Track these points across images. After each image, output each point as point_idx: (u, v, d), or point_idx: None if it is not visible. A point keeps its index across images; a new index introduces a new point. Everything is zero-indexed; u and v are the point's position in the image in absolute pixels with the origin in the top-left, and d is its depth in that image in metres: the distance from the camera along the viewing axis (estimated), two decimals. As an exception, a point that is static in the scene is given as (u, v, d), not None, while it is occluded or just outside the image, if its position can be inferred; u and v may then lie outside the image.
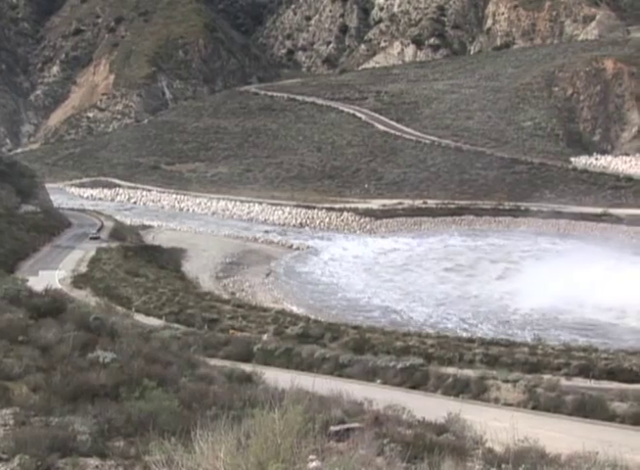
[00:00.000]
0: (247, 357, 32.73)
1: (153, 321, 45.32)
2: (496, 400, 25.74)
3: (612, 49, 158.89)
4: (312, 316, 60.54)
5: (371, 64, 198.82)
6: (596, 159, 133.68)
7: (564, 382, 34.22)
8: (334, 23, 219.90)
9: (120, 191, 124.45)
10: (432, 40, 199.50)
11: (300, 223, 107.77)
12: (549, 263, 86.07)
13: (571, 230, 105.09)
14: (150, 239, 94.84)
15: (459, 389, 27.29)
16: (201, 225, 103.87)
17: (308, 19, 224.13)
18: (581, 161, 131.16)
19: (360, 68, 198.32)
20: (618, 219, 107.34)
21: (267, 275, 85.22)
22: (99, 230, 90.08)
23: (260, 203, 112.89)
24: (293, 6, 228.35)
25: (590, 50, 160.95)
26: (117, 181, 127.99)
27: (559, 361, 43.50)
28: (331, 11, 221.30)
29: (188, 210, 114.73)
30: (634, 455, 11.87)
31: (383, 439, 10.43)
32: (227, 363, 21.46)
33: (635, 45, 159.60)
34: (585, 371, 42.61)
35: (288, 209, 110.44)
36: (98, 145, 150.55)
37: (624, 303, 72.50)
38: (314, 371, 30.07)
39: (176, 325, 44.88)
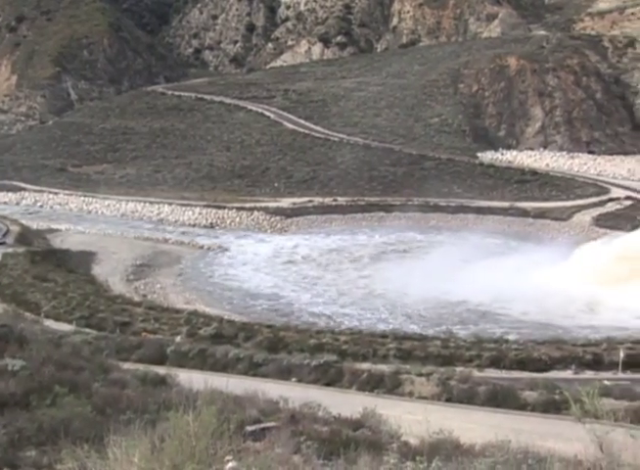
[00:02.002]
0: (160, 360, 32.39)
1: (63, 326, 44.53)
2: (410, 394, 26.00)
3: (514, 46, 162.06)
4: (225, 316, 60.32)
5: (278, 62, 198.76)
6: (502, 154, 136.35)
7: (476, 373, 34.78)
8: (240, 21, 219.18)
9: (26, 194, 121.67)
10: (338, 38, 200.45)
11: (211, 223, 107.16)
12: (453, 256, 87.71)
13: (478, 224, 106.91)
14: (58, 243, 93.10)
15: (374, 384, 27.49)
16: (110, 228, 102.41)
17: (215, 17, 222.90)
18: (488, 156, 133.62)
19: (268, 66, 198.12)
20: (525, 212, 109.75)
21: (179, 276, 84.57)
22: (4, 235, 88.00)
23: (170, 204, 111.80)
24: (199, 5, 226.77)
25: (494, 47, 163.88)
26: (23, 185, 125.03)
27: (470, 353, 44.23)
28: (237, 9, 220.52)
29: (96, 212, 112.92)
30: (544, 442, 12.09)
31: (299, 437, 10.42)
32: (140, 366, 21.20)
33: (537, 42, 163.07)
34: (496, 362, 43.42)
35: (198, 209, 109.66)
36: (1, 148, 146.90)
37: (503, 291, 74.61)
38: (229, 371, 29.93)
39: (87, 330, 44.20)
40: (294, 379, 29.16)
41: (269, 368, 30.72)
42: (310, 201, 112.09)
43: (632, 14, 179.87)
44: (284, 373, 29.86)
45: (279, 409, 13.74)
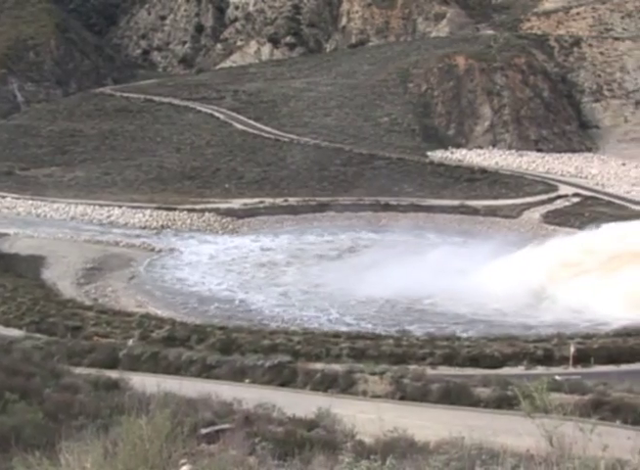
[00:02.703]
0: (112, 364, 32.13)
1: (13, 332, 44.01)
2: (364, 393, 26.11)
3: (463, 46, 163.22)
4: (178, 319, 60.05)
5: (228, 63, 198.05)
6: (451, 152, 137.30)
7: (429, 371, 35.04)
8: (189, 22, 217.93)
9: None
10: (287, 39, 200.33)
11: (162, 226, 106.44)
12: (404, 255, 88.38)
13: (429, 222, 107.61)
14: (6, 247, 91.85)
15: (327, 384, 27.56)
16: (59, 231, 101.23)
17: (163, 18, 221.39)
18: (437, 155, 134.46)
19: (217, 67, 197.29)
20: (475, 210, 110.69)
21: (130, 279, 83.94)
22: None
23: (120, 206, 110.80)
24: (147, 5, 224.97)
25: (442, 47, 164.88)
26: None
27: (424, 351, 44.53)
28: (186, 10, 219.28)
29: (45, 215, 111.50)
30: (498, 437, 12.21)
31: (254, 438, 10.40)
32: (93, 371, 21.01)
33: (484, 42, 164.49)
34: (449, 360, 43.75)
35: (148, 211, 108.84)
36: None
37: (454, 289, 75.49)
38: (182, 374, 29.81)
39: (38, 335, 43.68)
40: (247, 380, 29.12)
41: (222, 370, 30.65)
42: (261, 201, 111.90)
43: (577, 14, 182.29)
44: (237, 374, 29.81)
45: (233, 411, 13.71)
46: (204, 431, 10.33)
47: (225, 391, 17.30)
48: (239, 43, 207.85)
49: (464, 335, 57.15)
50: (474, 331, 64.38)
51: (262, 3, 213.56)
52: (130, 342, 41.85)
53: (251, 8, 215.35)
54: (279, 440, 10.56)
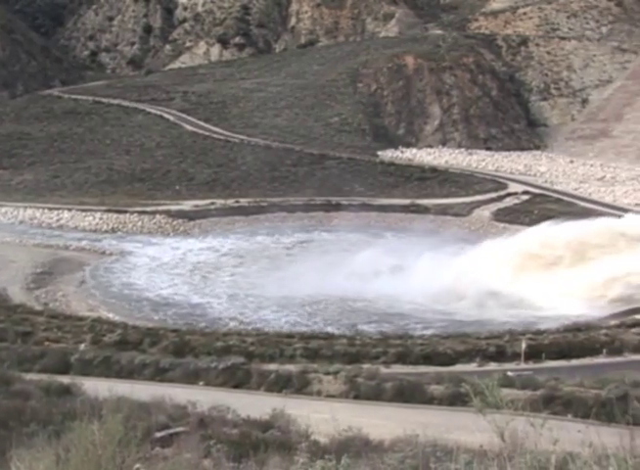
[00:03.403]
0: (64, 369, 31.81)
1: (-39, 338, 43.30)
2: (319, 393, 26.15)
3: (411, 45, 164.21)
4: (130, 322, 59.60)
5: (177, 64, 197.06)
6: (402, 152, 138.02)
7: (383, 370, 35.17)
8: (137, 23, 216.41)
9: None
10: (237, 39, 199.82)
11: (112, 228, 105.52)
12: (355, 254, 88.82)
13: (381, 222, 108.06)
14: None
15: (282, 384, 27.55)
16: (7, 235, 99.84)
17: (111, 19, 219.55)
18: (388, 154, 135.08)
19: (166, 68, 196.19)
20: (426, 209, 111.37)
21: (81, 283, 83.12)
22: None
23: (70, 209, 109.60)
24: (94, 6, 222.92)
25: (391, 47, 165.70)
26: None
27: (377, 350, 44.66)
28: (134, 11, 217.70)
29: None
30: (451, 434, 12.29)
31: (208, 440, 10.37)
32: (44, 377, 20.77)
33: (433, 42, 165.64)
34: (403, 358, 43.95)
35: (98, 214, 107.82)
36: None
37: (405, 287, 76.14)
38: (135, 378, 29.59)
39: (-14, 341, 43.04)
40: (201, 383, 29.02)
41: (176, 373, 30.50)
42: (212, 203, 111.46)
43: (524, 14, 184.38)
44: (191, 377, 29.69)
45: (187, 414, 13.65)
46: (158, 435, 10.27)
47: (179, 393, 17.21)
48: (188, 44, 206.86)
49: (419, 333, 57.48)
50: (428, 329, 64.88)
51: (211, 4, 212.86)
52: (82, 346, 41.44)
53: (199, 8, 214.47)
54: (234, 442, 10.53)
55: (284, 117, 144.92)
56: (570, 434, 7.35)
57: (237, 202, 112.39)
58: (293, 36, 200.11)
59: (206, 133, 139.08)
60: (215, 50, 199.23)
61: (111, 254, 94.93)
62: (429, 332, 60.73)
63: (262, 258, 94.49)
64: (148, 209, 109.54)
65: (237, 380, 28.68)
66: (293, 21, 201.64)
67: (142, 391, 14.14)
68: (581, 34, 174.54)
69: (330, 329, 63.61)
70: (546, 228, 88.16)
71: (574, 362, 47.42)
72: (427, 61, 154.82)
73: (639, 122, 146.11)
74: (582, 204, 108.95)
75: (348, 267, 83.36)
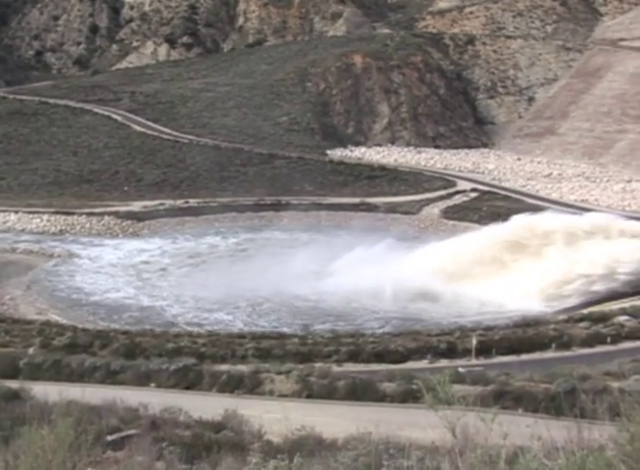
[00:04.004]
0: (13, 374, 31.37)
1: None
2: (271, 393, 26.13)
3: (360, 45, 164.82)
4: (80, 325, 59.02)
5: (124, 64, 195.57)
6: (351, 151, 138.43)
7: (335, 368, 35.25)
8: (83, 22, 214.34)
9: None
10: (184, 39, 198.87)
11: (60, 230, 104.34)
12: (305, 254, 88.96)
13: (331, 221, 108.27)
14: None
15: (234, 385, 27.49)
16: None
17: (56, 18, 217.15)
18: (337, 153, 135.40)
19: (113, 68, 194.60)
20: (375, 207, 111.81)
21: (29, 286, 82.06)
22: None
23: (16, 212, 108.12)
24: (39, 5, 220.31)
25: (340, 46, 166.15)
26: None
27: (329, 349, 44.74)
28: (79, 10, 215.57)
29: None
30: (404, 431, 12.37)
31: (161, 442, 10.31)
32: (-9, 382, 20.49)
33: (381, 41, 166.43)
34: (355, 356, 44.08)
35: (46, 216, 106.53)
36: None
37: (354, 286, 76.50)
38: (85, 381, 29.31)
39: None
40: (153, 384, 28.84)
41: (127, 375, 30.27)
42: (162, 203, 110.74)
43: (471, 13, 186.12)
44: (142, 379, 29.49)
45: (139, 416, 13.56)
46: (109, 438, 10.19)
47: (130, 396, 17.09)
48: (135, 44, 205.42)
49: (375, 331, 57.68)
50: (376, 326, 65.23)
51: (158, 3, 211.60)
52: (31, 350, 40.96)
53: (146, 8, 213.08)
54: (186, 443, 10.48)
55: (233, 117, 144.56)
56: (519, 428, 7.44)
57: (186, 202, 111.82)
58: (240, 36, 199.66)
59: (155, 134, 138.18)
60: (163, 50, 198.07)
61: (59, 256, 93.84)
62: (384, 330, 61.10)
63: (213, 259, 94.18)
64: (96, 210, 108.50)
65: (189, 381, 28.56)
66: (240, 20, 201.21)
67: (93, 394, 14.02)
68: (527, 33, 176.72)
69: (282, 328, 63.69)
70: (497, 225, 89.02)
71: (524, 357, 47.97)
72: (375, 60, 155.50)
73: (584, 120, 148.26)
74: (530, 201, 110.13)
75: (298, 267, 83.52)
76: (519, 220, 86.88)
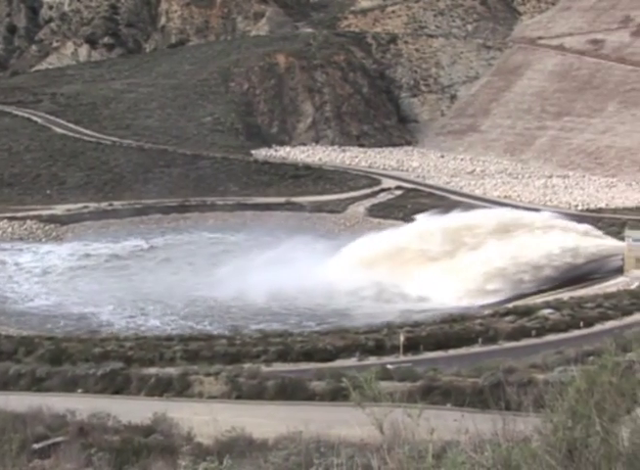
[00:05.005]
0: None
1: None
2: (200, 395, 26.04)
3: (283, 44, 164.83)
4: (3, 332, 57.91)
5: (44, 65, 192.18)
6: (275, 150, 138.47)
7: (264, 368, 35.23)
8: (0, 22, 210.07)
9: None
10: (105, 39, 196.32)
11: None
12: (230, 254, 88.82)
13: (256, 221, 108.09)
14: None
15: (162, 388, 27.31)
16: None
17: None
18: (262, 153, 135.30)
19: (33, 69, 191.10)
20: (301, 207, 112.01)
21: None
22: None
23: None
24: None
25: (263, 46, 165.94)
26: None
27: (257, 349, 44.67)
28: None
29: None
30: (334, 429, 12.44)
31: (89, 449, 10.21)
32: None
33: (304, 40, 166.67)
34: (283, 356, 44.10)
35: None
36: None
37: (281, 285, 76.68)
38: (10, 389, 28.78)
39: None
40: (80, 390, 28.46)
41: (53, 382, 29.83)
42: (85, 206, 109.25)
43: (393, 12, 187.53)
44: (69, 385, 29.09)
45: (66, 423, 13.38)
46: (36, 446, 10.04)
47: (57, 403, 16.85)
48: (55, 44, 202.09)
49: (296, 330, 57.73)
50: (303, 325, 65.38)
51: (78, 3, 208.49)
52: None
53: (66, 8, 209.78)
54: (115, 449, 10.39)
55: (156, 118, 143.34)
56: (447, 422, 7.56)
57: (110, 205, 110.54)
58: (163, 36, 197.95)
59: (77, 136, 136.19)
60: (84, 50, 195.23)
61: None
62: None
63: (138, 262, 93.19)
64: (18, 214, 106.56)
65: (117, 386, 28.28)
66: (162, 20, 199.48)
67: (18, 402, 13.78)
68: (448, 32, 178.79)
69: (208, 328, 63.44)
70: (423, 222, 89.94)
71: (452, 352, 48.59)
72: (298, 59, 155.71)
73: (505, 117, 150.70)
74: (454, 197, 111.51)
75: (222, 268, 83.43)
76: (448, 218, 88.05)
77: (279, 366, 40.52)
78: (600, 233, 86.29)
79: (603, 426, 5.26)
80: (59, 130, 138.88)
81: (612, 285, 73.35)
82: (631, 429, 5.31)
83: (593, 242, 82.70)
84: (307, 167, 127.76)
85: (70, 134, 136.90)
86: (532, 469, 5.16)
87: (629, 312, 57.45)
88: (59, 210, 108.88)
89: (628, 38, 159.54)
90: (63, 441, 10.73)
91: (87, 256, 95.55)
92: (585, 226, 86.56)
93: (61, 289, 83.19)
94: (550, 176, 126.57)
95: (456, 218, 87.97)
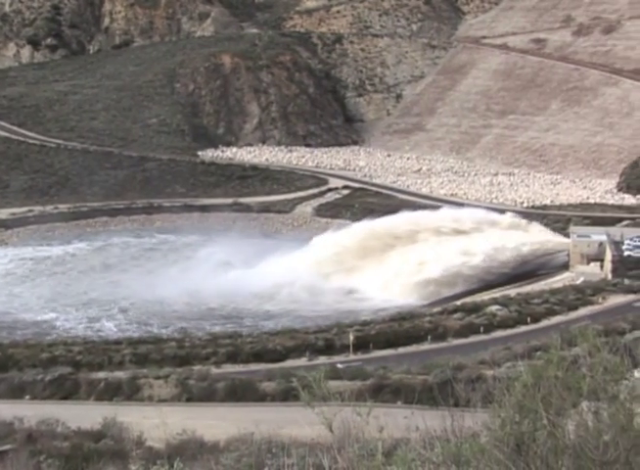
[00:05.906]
0: None
1: None
2: (150, 398, 25.90)
3: (228, 45, 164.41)
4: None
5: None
6: (222, 151, 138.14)
7: (214, 370, 35.14)
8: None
9: None
10: (48, 41, 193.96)
11: None
12: (180, 256, 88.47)
13: (204, 222, 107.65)
14: None
15: (112, 392, 27.12)
16: None
17: None
18: (208, 154, 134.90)
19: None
20: (249, 207, 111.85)
21: None
22: None
23: None
24: None
25: (208, 46, 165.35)
26: None
27: (207, 351, 44.54)
28: None
29: None
30: (285, 429, 12.47)
31: (38, 456, 10.11)
32: None
33: (249, 40, 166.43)
34: (233, 357, 44.01)
35: None
36: None
37: (228, 286, 76.66)
38: (-45, 396, 28.36)
39: None
40: (27, 397, 28.15)
41: (0, 388, 29.44)
42: (30, 210, 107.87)
43: (338, 12, 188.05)
44: (16, 391, 28.76)
45: (14, 430, 13.24)
46: (-17, 453, 9.91)
47: (4, 410, 16.65)
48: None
49: (244, 331, 57.63)
50: (255, 326, 65.29)
51: (19, 3, 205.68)
52: None
53: (7, 8, 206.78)
54: (65, 455, 10.31)
55: (101, 120, 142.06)
56: (397, 420, 7.63)
57: (56, 208, 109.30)
58: (107, 37, 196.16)
59: (20, 138, 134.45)
60: (26, 52, 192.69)
61: None
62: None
63: (86, 265, 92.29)
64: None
65: (65, 391, 28.01)
66: (106, 21, 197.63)
67: (-36, 409, 13.59)
68: (393, 32, 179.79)
69: (156, 331, 63.05)
70: (368, 222, 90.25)
71: (401, 350, 48.87)
72: (244, 60, 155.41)
73: (451, 116, 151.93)
74: (401, 196, 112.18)
75: (172, 270, 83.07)
76: (399, 216, 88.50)
77: (229, 368, 40.44)
78: (545, 229, 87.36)
79: (549, 420, 5.36)
80: (1, 133, 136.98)
81: (558, 281, 74.26)
82: (577, 422, 5.41)
83: (538, 238, 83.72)
84: (254, 168, 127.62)
85: (14, 137, 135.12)
86: (482, 464, 5.24)
87: (575, 307, 58.28)
88: (3, 213, 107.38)
89: (570, 37, 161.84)
90: (11, 449, 10.61)
91: (31, 260, 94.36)
92: (533, 223, 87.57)
93: (3, 293, 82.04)
94: (495, 174, 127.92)
95: (410, 218, 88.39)
